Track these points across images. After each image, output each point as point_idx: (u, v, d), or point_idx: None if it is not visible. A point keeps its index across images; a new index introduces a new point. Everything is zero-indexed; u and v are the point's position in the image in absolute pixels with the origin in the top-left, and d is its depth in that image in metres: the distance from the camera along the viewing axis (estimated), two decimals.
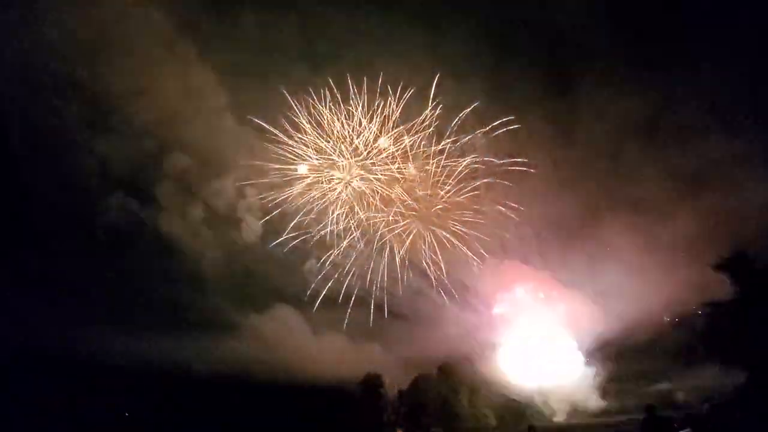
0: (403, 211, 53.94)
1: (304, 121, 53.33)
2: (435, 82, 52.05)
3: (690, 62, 52.55)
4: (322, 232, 54.22)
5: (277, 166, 54.22)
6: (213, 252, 59.25)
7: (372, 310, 55.07)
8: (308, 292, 55.13)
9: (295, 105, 52.77)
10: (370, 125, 52.86)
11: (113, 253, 57.33)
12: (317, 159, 54.22)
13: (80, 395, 53.22)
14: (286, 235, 54.69)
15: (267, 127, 53.58)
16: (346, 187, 54.30)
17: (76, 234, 56.72)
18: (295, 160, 54.27)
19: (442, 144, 53.61)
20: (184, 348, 55.22)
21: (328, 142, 53.62)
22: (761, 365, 46.68)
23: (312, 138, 53.79)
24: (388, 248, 54.50)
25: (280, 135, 53.74)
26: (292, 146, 53.94)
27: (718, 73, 50.93)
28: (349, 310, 54.58)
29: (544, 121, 56.38)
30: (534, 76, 57.22)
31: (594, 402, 52.44)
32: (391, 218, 53.96)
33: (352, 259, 54.68)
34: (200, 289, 58.16)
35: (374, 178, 54.03)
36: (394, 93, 52.30)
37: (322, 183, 54.38)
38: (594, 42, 55.70)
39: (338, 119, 52.98)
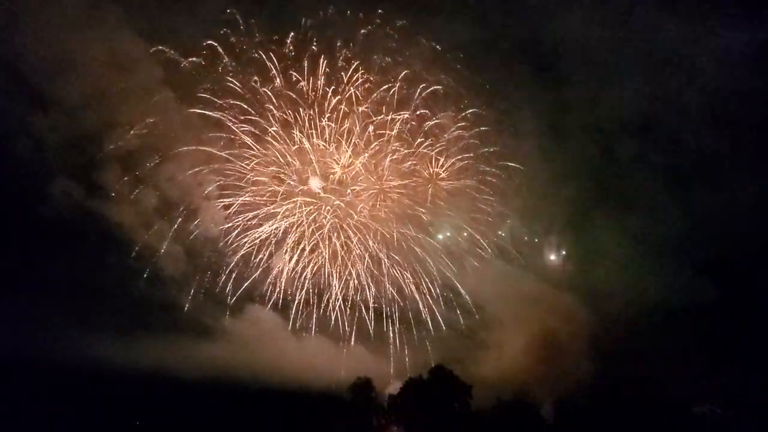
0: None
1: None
2: None
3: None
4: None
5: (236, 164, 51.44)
6: (172, 246, 53.68)
7: (357, 312, 54.55)
8: (283, 293, 53.16)
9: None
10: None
11: (61, 247, 51.56)
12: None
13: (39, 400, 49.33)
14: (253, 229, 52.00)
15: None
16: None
17: (16, 226, 51.07)
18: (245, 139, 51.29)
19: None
20: (156, 352, 52.25)
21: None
22: (748, 366, 48.00)
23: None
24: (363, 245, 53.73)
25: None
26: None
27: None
28: (332, 312, 54.06)
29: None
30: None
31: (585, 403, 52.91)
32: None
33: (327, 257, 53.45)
34: (163, 288, 53.64)
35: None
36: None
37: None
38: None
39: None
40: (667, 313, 52.01)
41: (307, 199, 52.79)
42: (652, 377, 50.33)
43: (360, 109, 52.12)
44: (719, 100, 53.96)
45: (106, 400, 50.99)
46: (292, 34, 51.50)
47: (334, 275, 53.50)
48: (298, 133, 51.69)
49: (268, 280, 53.55)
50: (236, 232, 52.67)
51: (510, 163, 55.51)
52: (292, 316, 54.20)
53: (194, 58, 51.01)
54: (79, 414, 49.25)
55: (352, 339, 54.88)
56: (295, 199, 52.52)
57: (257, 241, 52.86)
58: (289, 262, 53.16)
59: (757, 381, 46.27)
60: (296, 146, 51.95)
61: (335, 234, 53.16)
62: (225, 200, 52.64)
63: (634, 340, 52.83)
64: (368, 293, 53.92)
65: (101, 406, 50.87)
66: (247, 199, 52.46)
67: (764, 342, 47.99)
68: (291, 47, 51.50)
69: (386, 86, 52.63)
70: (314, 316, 53.95)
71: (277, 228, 52.60)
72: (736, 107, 53.43)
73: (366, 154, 52.79)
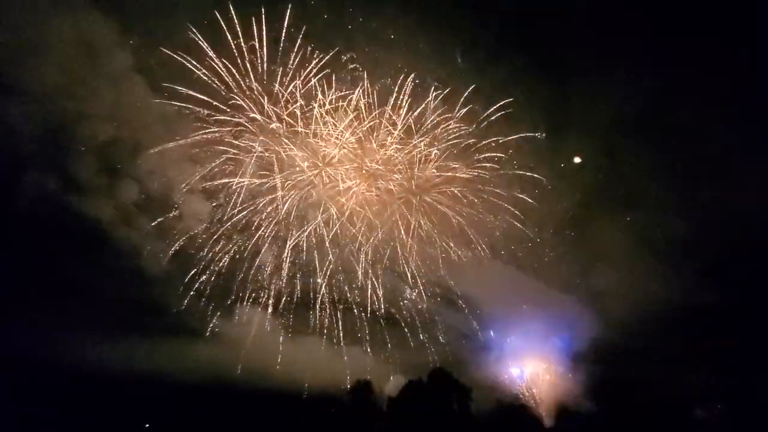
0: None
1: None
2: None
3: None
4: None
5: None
6: (154, 243, 51.95)
7: (355, 315, 54.17)
8: (275, 293, 52.80)
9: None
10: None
11: (36, 244, 48.71)
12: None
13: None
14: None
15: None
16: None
17: None
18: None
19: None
20: (147, 354, 51.29)
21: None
22: (750, 367, 47.65)
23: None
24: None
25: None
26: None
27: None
28: (328, 314, 53.66)
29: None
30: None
31: (586, 406, 52.72)
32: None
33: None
34: (149, 287, 51.72)
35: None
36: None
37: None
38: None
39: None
40: (669, 314, 51.59)
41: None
42: (653, 378, 50.16)
43: (352, 105, 51.16)
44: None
45: (105, 402, 50.15)
46: (276, 24, 49.73)
47: (328, 278, 53.11)
48: (284, 128, 50.84)
49: (260, 281, 53.29)
50: (223, 231, 52.04)
51: (508, 162, 54.88)
52: (281, 319, 54.05)
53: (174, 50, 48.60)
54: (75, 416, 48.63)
55: (351, 341, 54.72)
56: (277, 203, 51.80)
57: (247, 242, 52.28)
58: (281, 264, 52.75)
59: (758, 382, 45.99)
60: (282, 145, 51.14)
61: (328, 236, 52.57)
62: (210, 199, 51.85)
63: (635, 341, 52.47)
64: (361, 295, 53.59)
65: (99, 409, 49.93)
66: (233, 196, 51.65)
67: (765, 343, 47.59)
68: (276, 38, 49.92)
69: (380, 82, 51.77)
70: (310, 318, 53.68)
71: (265, 229, 52.01)
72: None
73: (359, 153, 52.12)
